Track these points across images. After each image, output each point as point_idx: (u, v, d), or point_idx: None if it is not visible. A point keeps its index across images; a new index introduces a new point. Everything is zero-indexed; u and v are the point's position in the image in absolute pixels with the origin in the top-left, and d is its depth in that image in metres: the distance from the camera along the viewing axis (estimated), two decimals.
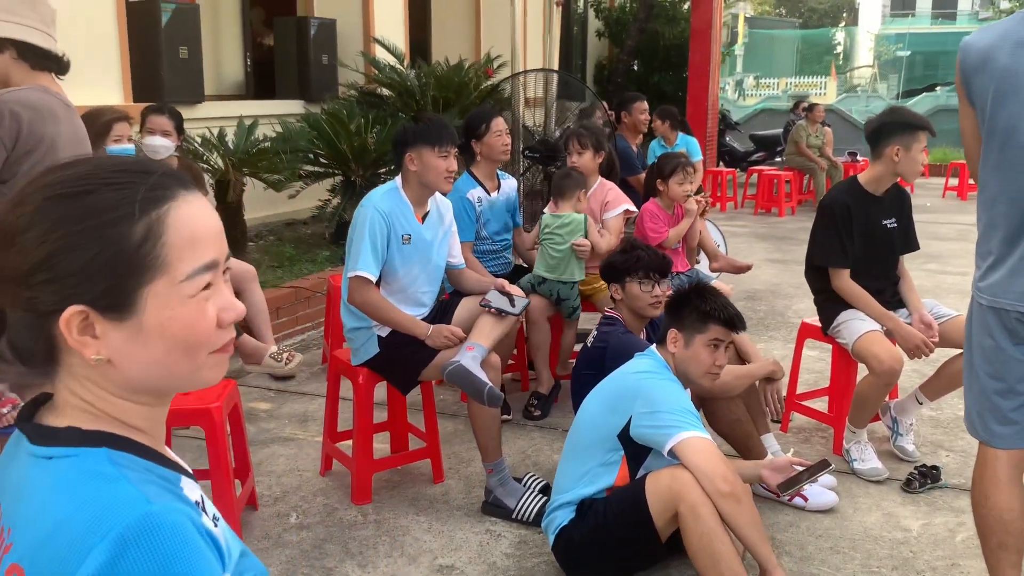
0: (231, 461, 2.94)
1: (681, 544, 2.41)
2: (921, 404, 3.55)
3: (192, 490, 0.93)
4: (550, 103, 5.93)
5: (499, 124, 4.05)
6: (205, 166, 5.54)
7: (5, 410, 2.07)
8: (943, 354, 3.53)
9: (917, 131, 3.28)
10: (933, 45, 27.92)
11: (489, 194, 4.11)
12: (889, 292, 3.50)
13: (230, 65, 8.67)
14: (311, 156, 6.17)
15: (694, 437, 2.38)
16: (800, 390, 4.21)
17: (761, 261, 7.67)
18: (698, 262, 5.64)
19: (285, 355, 3.95)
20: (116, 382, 0.89)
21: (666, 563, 2.72)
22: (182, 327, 0.88)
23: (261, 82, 8.21)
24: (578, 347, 3.89)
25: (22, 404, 2.06)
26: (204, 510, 0.90)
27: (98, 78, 5.49)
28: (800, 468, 2.60)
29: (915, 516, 3.11)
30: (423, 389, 3.39)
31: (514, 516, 3.09)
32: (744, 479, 2.70)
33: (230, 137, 5.74)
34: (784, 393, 3.26)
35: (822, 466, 2.61)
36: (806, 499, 3.11)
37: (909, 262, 3.66)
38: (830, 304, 3.51)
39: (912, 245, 3.57)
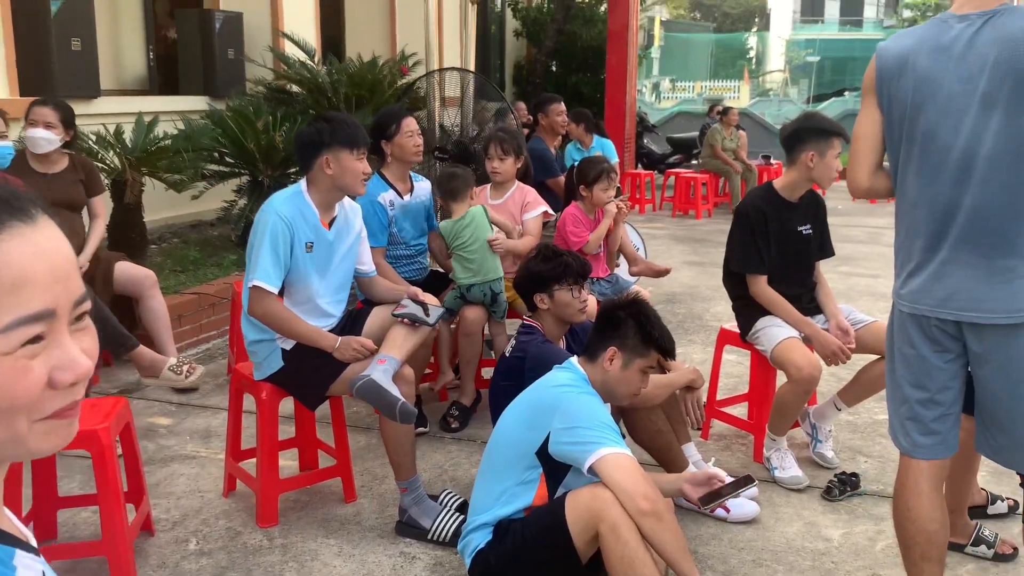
0: (121, 484, 2.71)
1: (603, 565, 2.31)
2: (839, 410, 3.55)
3: (28, 568, 0.77)
4: (467, 103, 5.79)
5: (410, 124, 3.88)
6: (101, 165, 5.20)
7: None
8: (861, 359, 3.54)
9: (831, 137, 3.27)
10: (841, 51, 28.87)
11: (402, 197, 3.95)
12: (806, 298, 3.49)
13: (131, 58, 8.25)
14: (216, 155, 5.88)
15: (614, 453, 2.28)
16: (720, 396, 4.19)
17: (679, 263, 7.70)
18: (618, 265, 5.60)
19: (185, 367, 3.72)
20: None
21: None
22: None
23: (166, 77, 7.84)
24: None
25: None
26: None
27: None
28: (721, 483, 2.54)
29: (836, 525, 3.09)
30: (332, 403, 3.21)
31: (430, 537, 2.94)
32: (665, 493, 2.62)
33: (128, 134, 5.41)
34: (704, 401, 3.20)
35: (745, 482, 2.55)
36: (728, 510, 3.05)
37: (823, 265, 3.67)
38: (748, 310, 3.48)
39: (827, 251, 3.57)
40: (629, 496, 2.21)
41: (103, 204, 4.38)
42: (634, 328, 2.54)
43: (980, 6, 2.00)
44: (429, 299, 3.13)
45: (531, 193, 4.24)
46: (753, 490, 3.19)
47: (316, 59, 6.96)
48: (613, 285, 4.32)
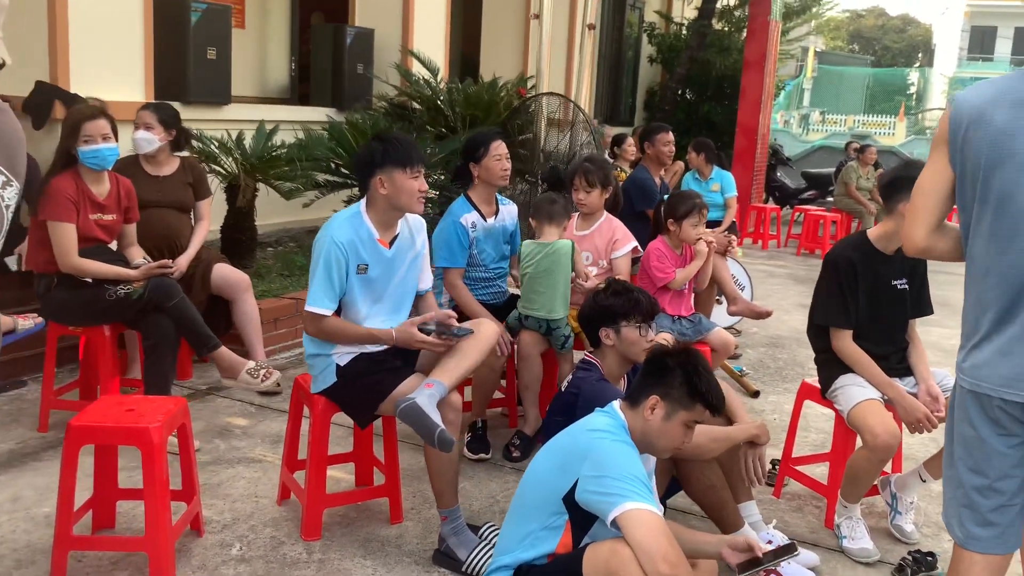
0: (168, 483, 2.79)
1: None
2: (924, 481, 3.25)
3: None
4: (578, 128, 5.74)
5: (499, 148, 3.87)
6: (218, 168, 5.47)
7: None
8: None
9: None
10: None
11: (485, 219, 3.93)
12: (895, 358, 3.22)
13: (274, 69, 8.70)
14: (331, 166, 6.06)
15: (639, 509, 2.15)
16: (804, 452, 3.94)
17: (792, 306, 7.34)
18: (719, 302, 5.39)
19: (263, 371, 3.82)
20: None
21: None
22: None
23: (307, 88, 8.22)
24: None
25: None
26: None
27: (120, 76, 5.47)
28: (766, 548, 2.36)
29: None
30: (386, 420, 3.21)
31: (464, 569, 2.89)
32: (706, 555, 2.47)
33: (248, 141, 5.67)
34: (766, 461, 3.00)
35: (787, 551, 2.36)
36: None
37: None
38: (829, 365, 3.25)
39: (925, 308, 3.28)
40: (649, 556, 2.08)
41: (209, 208, 4.57)
42: (681, 378, 2.40)
43: None
44: (452, 323, 3.05)
45: (620, 228, 4.13)
46: (812, 556, 2.97)
47: (440, 77, 7.09)
48: (695, 326, 4.15)
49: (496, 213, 3.99)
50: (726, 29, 12.59)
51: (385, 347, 3.03)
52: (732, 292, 4.97)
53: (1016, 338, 1.83)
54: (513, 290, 4.24)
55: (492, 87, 6.80)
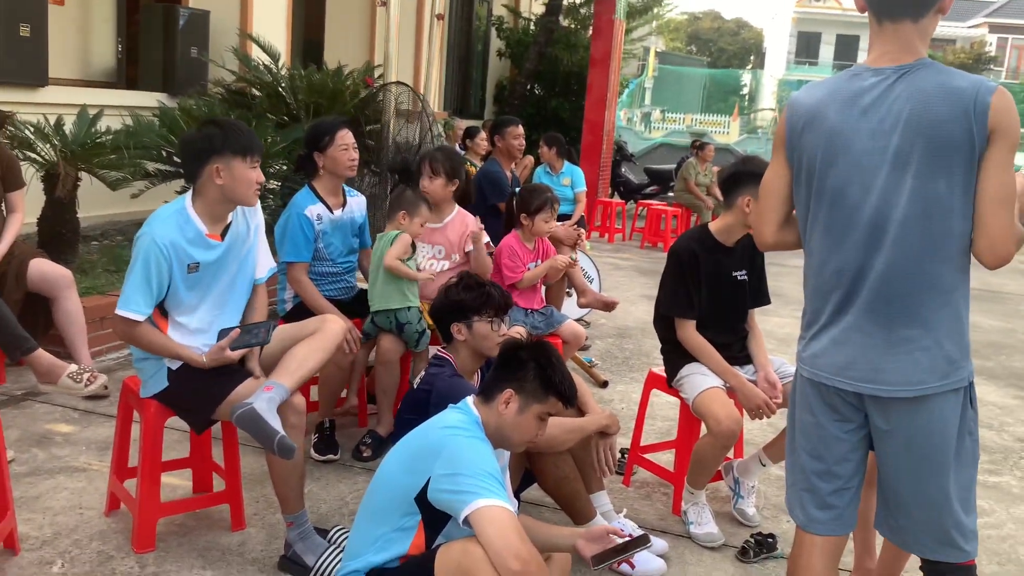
0: None
1: None
2: (764, 465, 3.39)
3: None
4: (426, 120, 5.66)
5: (345, 137, 3.73)
6: (34, 156, 5.02)
7: None
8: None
9: None
10: None
11: (332, 211, 3.78)
12: (737, 347, 3.34)
13: (99, 49, 8.08)
14: (162, 154, 5.69)
15: (491, 506, 2.11)
16: (652, 440, 4.03)
17: (638, 296, 7.56)
18: (569, 294, 5.46)
19: (86, 375, 3.52)
20: None
21: None
22: None
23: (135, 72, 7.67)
24: None
25: None
26: None
27: None
28: (618, 540, 2.37)
29: None
30: (224, 424, 3.02)
31: (312, 574, 2.75)
32: (560, 548, 2.46)
33: (69, 127, 5.23)
34: (616, 450, 3.04)
35: (640, 542, 2.38)
36: (633, 566, 2.89)
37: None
38: (675, 355, 3.34)
39: (763, 299, 3.43)
40: (499, 555, 2.04)
41: (22, 199, 4.18)
42: (534, 371, 2.38)
43: (896, 60, 1.87)
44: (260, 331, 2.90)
45: (474, 222, 4.08)
46: (659, 545, 3.04)
47: (281, 63, 6.80)
48: (547, 318, 4.17)
49: (344, 205, 3.85)
50: (573, 26, 12.83)
51: None
52: (582, 284, 5.04)
53: (850, 327, 1.91)
54: (362, 285, 4.12)
55: (337, 75, 6.59)
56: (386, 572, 2.27)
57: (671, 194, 12.04)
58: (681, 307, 3.25)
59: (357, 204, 3.94)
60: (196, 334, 2.82)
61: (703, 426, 3.35)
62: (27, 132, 4.99)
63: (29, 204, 4.52)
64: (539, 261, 4.20)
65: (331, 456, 3.67)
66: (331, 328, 2.93)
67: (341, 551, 2.79)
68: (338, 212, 3.80)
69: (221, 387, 2.73)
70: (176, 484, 3.34)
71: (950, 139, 1.78)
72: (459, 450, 2.25)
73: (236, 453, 3.05)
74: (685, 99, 30.10)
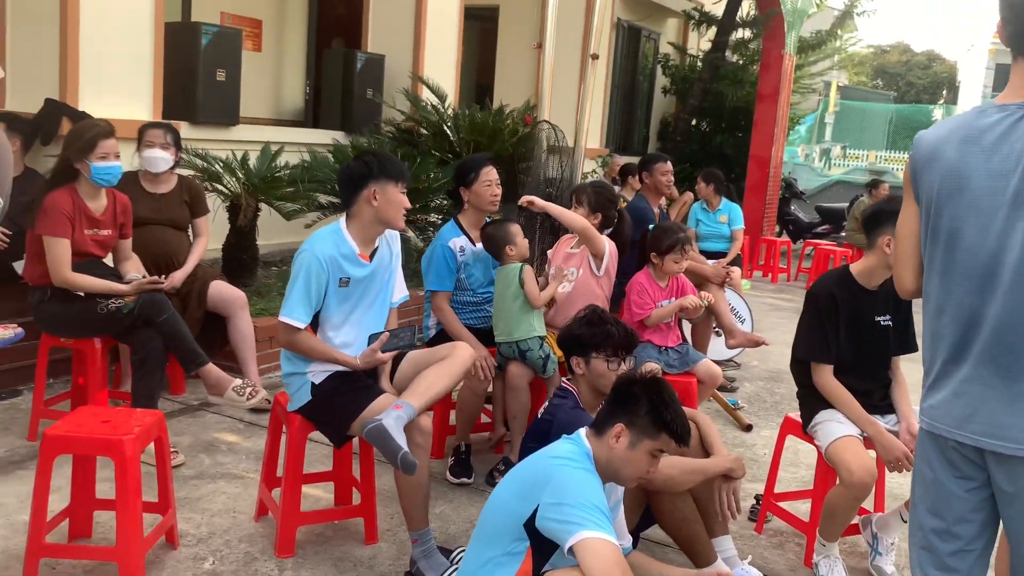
0: (139, 494, 2.80)
1: None
2: (905, 522, 3.20)
3: None
4: (578, 155, 5.77)
5: (489, 174, 3.91)
6: (221, 188, 5.54)
7: None
8: None
9: None
10: None
11: (474, 244, 3.96)
12: (878, 395, 3.19)
13: (290, 91, 8.82)
14: (334, 188, 6.11)
15: (596, 538, 2.14)
16: (792, 487, 3.90)
17: None
18: (717, 333, 5.36)
19: (248, 389, 3.84)
20: None
21: None
22: None
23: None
24: None
25: None
26: None
27: (129, 95, 5.56)
28: None
29: None
30: (362, 440, 3.21)
31: None
32: None
33: (253, 162, 5.74)
34: (738, 495, 2.97)
35: None
36: None
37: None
38: (811, 401, 3.23)
39: (910, 346, 3.26)
40: None
41: (207, 225, 4.64)
42: (647, 407, 2.39)
43: (1023, 97, 1.77)
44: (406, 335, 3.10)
45: (607, 249, 4.11)
46: None
47: (448, 104, 7.16)
48: (682, 357, 4.13)
49: None
50: (740, 61, 12.64)
51: None
52: (729, 324, 4.96)
53: (969, 378, 1.81)
54: None
55: (499, 114, 6.85)
56: None
57: (843, 234, 11.54)
58: (817, 351, 3.15)
59: None
60: (342, 349, 3.04)
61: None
62: (217, 167, 5.53)
63: (215, 231, 5.01)
64: (673, 299, 4.17)
65: (464, 480, 3.80)
66: (460, 355, 3.07)
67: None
68: (480, 245, 3.97)
69: (356, 403, 2.93)
70: (319, 495, 3.57)
71: None
72: (566, 481, 2.29)
73: (372, 469, 3.23)
74: (869, 135, 28.70)
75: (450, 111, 7.08)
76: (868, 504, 3.37)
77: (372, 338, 3.04)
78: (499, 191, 3.94)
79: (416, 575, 2.94)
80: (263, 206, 5.66)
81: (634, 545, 2.77)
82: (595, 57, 5.80)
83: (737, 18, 12.03)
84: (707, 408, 4.97)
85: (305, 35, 8.82)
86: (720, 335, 5.22)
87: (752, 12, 12.24)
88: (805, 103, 17.12)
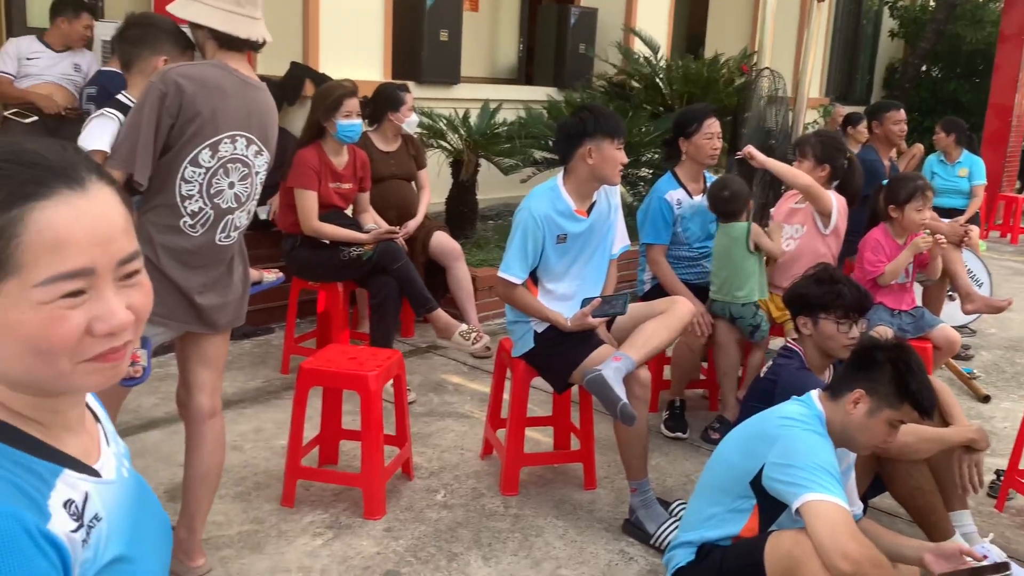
0: (381, 426, 3.06)
1: None
2: None
3: (71, 487, 0.88)
4: (800, 105, 5.52)
5: (712, 126, 3.83)
6: (444, 144, 5.80)
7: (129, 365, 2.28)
8: None
9: None
10: None
11: (691, 197, 3.92)
12: None
13: (504, 49, 9.01)
14: (548, 143, 6.23)
15: (823, 501, 2.10)
16: None
17: None
18: (951, 297, 5.01)
19: (473, 335, 4.05)
20: None
21: None
22: (30, 333, 0.83)
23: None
24: None
25: (142, 356, 2.26)
26: (76, 510, 0.87)
27: (362, 56, 5.93)
28: (973, 562, 2.22)
29: None
30: (581, 388, 3.32)
31: (652, 542, 2.95)
32: (903, 559, 2.36)
33: (473, 119, 5.95)
34: (982, 468, 2.79)
35: (1000, 569, 2.20)
36: None
37: None
38: None
39: None
40: (827, 552, 2.04)
41: (427, 178, 4.93)
42: (890, 375, 2.29)
43: None
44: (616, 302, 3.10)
45: (834, 205, 3.92)
46: None
47: (660, 55, 7.04)
48: (916, 320, 3.90)
49: (704, 191, 3.96)
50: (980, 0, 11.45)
51: None
52: (966, 288, 4.62)
53: None
54: None
55: (713, 64, 6.66)
56: (716, 549, 2.37)
57: None
58: None
59: None
60: (561, 300, 3.15)
61: None
62: (441, 124, 5.79)
63: (439, 186, 5.27)
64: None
65: (680, 434, 3.83)
66: (679, 309, 3.08)
67: (679, 523, 2.94)
68: (698, 198, 3.93)
69: (577, 352, 3.02)
70: (539, 439, 3.73)
71: None
72: (794, 442, 2.26)
73: (591, 417, 3.34)
74: None
75: (662, 63, 6.97)
76: None
77: (585, 301, 3.11)
78: (719, 144, 3.87)
79: (636, 523, 3.02)
80: (483, 161, 5.87)
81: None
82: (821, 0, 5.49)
83: None
84: (940, 376, 4.68)
85: None
86: (954, 299, 4.87)
87: None
88: None
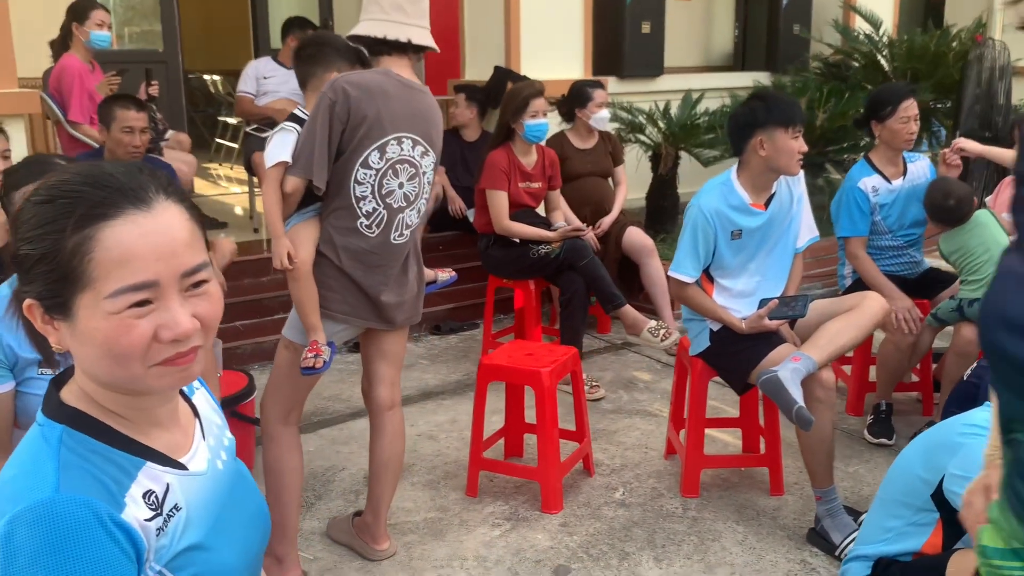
0: (556, 421, 3.10)
1: None
2: None
3: (152, 479, 0.98)
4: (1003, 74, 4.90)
5: (909, 108, 3.50)
6: (643, 139, 5.75)
7: (310, 355, 2.48)
8: None
9: None
10: None
11: (890, 182, 3.61)
12: None
13: (718, 36, 8.75)
14: None
15: None
16: None
17: None
18: None
19: (662, 331, 3.98)
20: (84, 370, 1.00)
21: None
22: (104, 340, 0.92)
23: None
24: None
25: (325, 351, 2.44)
26: (155, 501, 0.96)
27: (563, 55, 6.01)
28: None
29: None
30: None
31: (836, 553, 2.77)
32: None
33: (674, 110, 5.85)
34: None
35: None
36: None
37: None
38: None
39: None
40: None
41: (624, 173, 4.91)
42: None
43: None
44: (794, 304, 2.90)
45: None
46: None
47: (882, 31, 6.52)
48: None
49: (904, 173, 3.64)
50: None
51: None
52: None
53: None
54: (931, 261, 3.84)
55: (943, 36, 6.06)
56: (895, 564, 2.19)
57: None
58: None
59: (920, 169, 3.68)
60: (739, 298, 3.03)
61: None
62: (640, 118, 5.75)
63: (639, 181, 5.23)
64: None
65: (884, 440, 3.55)
66: (870, 306, 2.86)
67: None
68: (897, 182, 3.61)
69: (755, 351, 2.90)
70: (728, 441, 3.62)
71: None
72: (977, 452, 2.03)
73: (776, 419, 3.18)
74: None
75: (885, 38, 6.44)
76: None
77: (763, 302, 2.97)
78: (916, 128, 3.53)
79: (821, 533, 2.85)
80: (683, 154, 5.75)
81: None
82: None
83: None
84: None
85: None
86: None
87: None
88: None
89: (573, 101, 4.71)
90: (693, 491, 3.19)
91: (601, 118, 4.70)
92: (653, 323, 4.04)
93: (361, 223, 2.53)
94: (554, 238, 4.18)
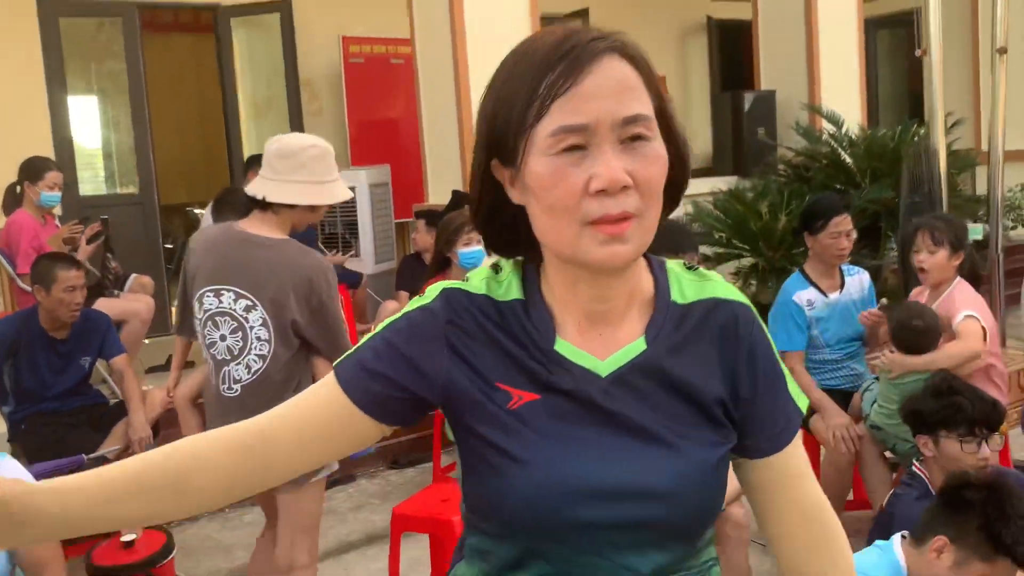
0: None
1: None
2: None
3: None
4: (996, 168, 4.82)
5: (840, 223, 3.42)
6: None
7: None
8: None
9: None
10: None
11: (826, 295, 3.50)
12: None
13: (698, 140, 8.81)
14: (719, 237, 5.93)
15: None
16: None
17: None
18: None
19: None
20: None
21: None
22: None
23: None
24: None
25: None
26: None
27: None
28: None
29: None
30: None
31: None
32: None
33: None
34: None
35: None
36: None
37: None
38: None
39: None
40: None
41: None
42: (979, 521, 1.86)
43: None
44: None
45: (964, 293, 3.33)
46: None
47: (844, 130, 6.49)
48: None
49: (841, 287, 3.53)
50: None
51: None
52: None
53: None
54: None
55: (904, 131, 6.01)
56: None
57: None
58: None
59: (857, 283, 3.58)
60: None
61: None
62: None
63: None
64: None
65: None
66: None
67: None
68: (834, 295, 3.51)
69: None
70: None
71: None
72: None
73: None
74: None
75: (847, 137, 6.41)
76: None
77: None
78: (848, 244, 3.44)
79: None
80: None
81: None
82: (1002, 51, 4.80)
83: None
84: None
85: (708, 84, 8.77)
86: None
87: None
88: None
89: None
90: None
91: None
92: None
93: (210, 371, 2.61)
94: None
